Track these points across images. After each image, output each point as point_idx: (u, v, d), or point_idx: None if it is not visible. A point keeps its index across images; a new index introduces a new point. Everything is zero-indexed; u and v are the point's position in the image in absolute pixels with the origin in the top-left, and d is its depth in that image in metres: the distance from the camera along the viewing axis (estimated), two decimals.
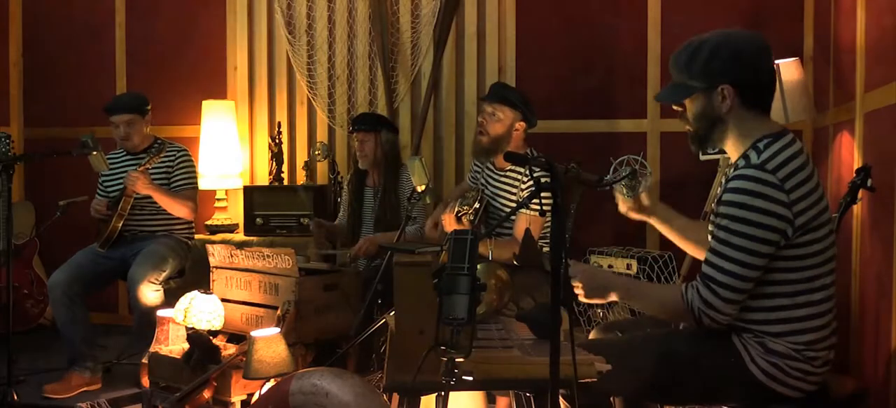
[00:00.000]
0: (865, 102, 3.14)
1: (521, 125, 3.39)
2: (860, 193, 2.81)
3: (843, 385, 2.93)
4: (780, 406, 1.99)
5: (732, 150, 2.07)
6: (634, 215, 2.38)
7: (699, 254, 2.34)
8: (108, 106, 3.98)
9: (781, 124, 2.11)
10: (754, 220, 1.89)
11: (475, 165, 3.68)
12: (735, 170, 1.99)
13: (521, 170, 3.36)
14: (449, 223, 3.29)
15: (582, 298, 2.12)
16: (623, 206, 2.37)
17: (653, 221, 2.38)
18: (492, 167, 3.51)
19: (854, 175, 2.83)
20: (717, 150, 2.19)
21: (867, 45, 3.14)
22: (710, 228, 2.05)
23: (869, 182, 2.79)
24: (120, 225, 3.88)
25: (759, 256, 1.90)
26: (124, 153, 4.09)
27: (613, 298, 2.10)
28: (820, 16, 4.03)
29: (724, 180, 2.06)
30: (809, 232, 1.92)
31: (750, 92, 2.01)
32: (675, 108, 2.12)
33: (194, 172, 4.14)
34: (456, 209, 3.26)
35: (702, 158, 3.93)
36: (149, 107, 4.04)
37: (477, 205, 3.27)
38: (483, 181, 3.54)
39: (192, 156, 4.14)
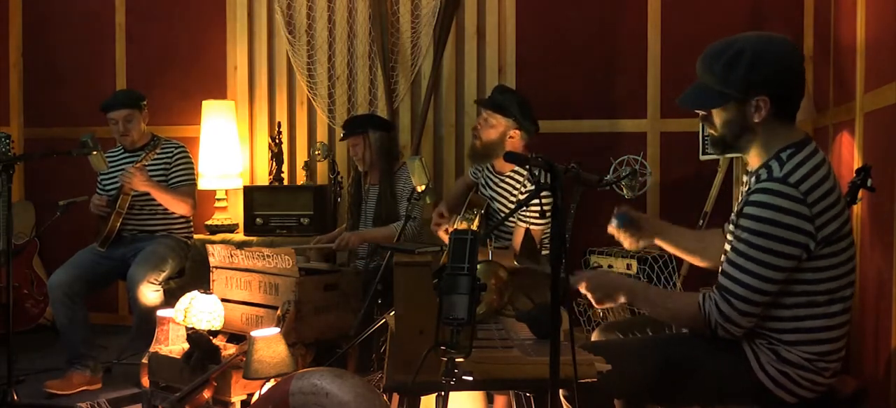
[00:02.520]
0: (865, 102, 3.14)
1: (515, 133, 3.34)
2: (860, 193, 2.80)
3: (843, 385, 2.93)
4: None
5: (754, 158, 2.01)
6: (639, 246, 2.37)
7: (698, 262, 2.34)
8: (104, 103, 3.99)
9: (805, 132, 2.04)
10: (776, 234, 1.86)
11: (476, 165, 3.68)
12: (757, 181, 1.94)
13: (522, 175, 3.35)
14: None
15: (595, 305, 2.11)
16: (626, 243, 2.35)
17: (658, 243, 2.36)
18: (491, 170, 3.50)
19: (854, 175, 2.82)
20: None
21: (867, 45, 3.14)
22: (729, 238, 2.01)
23: (869, 182, 2.78)
24: (119, 224, 3.88)
25: (779, 270, 1.88)
26: (122, 151, 4.09)
27: (621, 299, 2.08)
28: (820, 16, 4.03)
29: (744, 191, 2.02)
30: (832, 244, 1.89)
31: (784, 103, 1.95)
32: (697, 111, 2.05)
33: (192, 168, 4.14)
34: (457, 225, 3.24)
35: (702, 158, 3.93)
36: (145, 102, 4.05)
37: (478, 223, 3.24)
38: (483, 182, 3.54)
39: (190, 152, 4.14)
